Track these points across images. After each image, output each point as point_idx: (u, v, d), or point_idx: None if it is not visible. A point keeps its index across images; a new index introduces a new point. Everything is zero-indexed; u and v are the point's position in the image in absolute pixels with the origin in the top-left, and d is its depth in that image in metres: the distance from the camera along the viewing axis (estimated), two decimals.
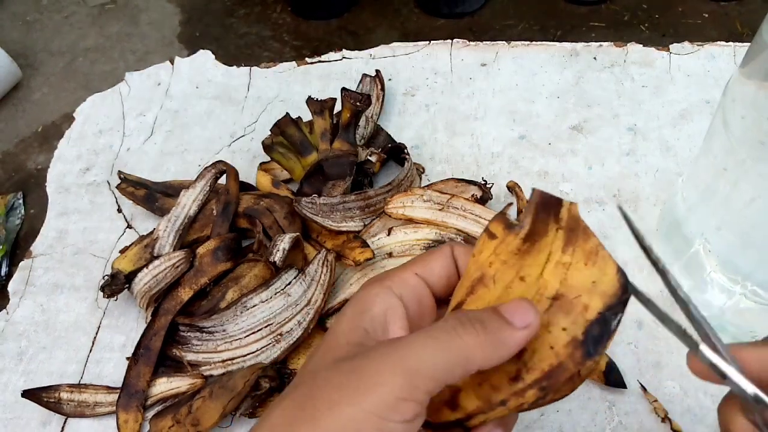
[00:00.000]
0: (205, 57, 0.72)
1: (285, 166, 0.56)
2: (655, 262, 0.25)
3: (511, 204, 0.53)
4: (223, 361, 0.46)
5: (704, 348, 0.24)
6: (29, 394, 0.47)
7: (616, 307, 0.25)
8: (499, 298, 0.27)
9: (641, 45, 0.65)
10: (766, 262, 0.37)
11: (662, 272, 0.25)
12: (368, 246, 0.49)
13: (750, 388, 0.23)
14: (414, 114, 0.63)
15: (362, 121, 0.59)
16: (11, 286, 0.56)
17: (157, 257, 0.49)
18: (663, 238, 0.47)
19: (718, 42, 0.64)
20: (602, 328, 0.24)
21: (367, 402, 0.22)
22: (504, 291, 0.27)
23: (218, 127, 0.65)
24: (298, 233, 0.49)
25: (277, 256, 0.46)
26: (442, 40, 0.69)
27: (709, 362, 0.24)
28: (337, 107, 0.58)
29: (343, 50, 0.70)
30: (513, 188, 0.53)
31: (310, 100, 0.56)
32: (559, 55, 0.65)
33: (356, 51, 0.69)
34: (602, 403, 0.43)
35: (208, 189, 0.53)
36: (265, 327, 0.45)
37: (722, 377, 0.24)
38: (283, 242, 0.47)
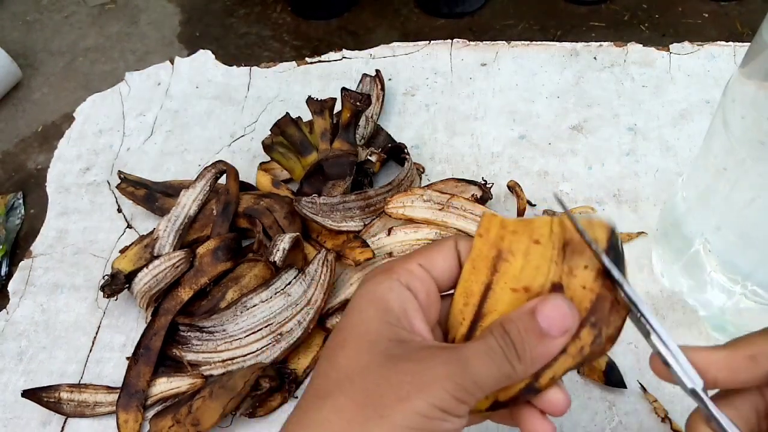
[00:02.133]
0: (205, 57, 0.72)
1: (285, 166, 0.56)
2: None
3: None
4: (223, 361, 0.46)
5: (654, 338, 0.26)
6: (29, 394, 0.47)
7: (616, 236, 0.27)
8: (522, 268, 0.28)
9: (641, 45, 0.65)
10: (766, 262, 0.37)
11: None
12: (368, 246, 0.49)
13: (689, 383, 0.25)
14: (414, 114, 0.63)
15: (362, 121, 0.59)
16: (11, 286, 0.56)
17: (157, 257, 0.49)
18: (663, 238, 0.47)
19: (718, 42, 0.64)
20: (617, 251, 0.26)
21: (432, 397, 0.24)
22: (525, 259, 0.28)
23: (218, 127, 0.65)
24: (298, 233, 0.49)
25: (277, 256, 0.46)
26: (442, 40, 0.69)
27: (657, 352, 0.26)
28: (337, 107, 0.58)
29: (343, 50, 0.70)
30: (513, 188, 0.53)
31: (310, 100, 0.56)
32: (559, 55, 0.65)
33: (356, 51, 0.69)
34: (602, 403, 0.43)
35: (208, 189, 0.53)
36: (265, 327, 0.45)
37: (666, 364, 0.25)
38: (283, 242, 0.47)
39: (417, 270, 0.28)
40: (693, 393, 0.25)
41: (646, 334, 0.26)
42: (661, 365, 0.26)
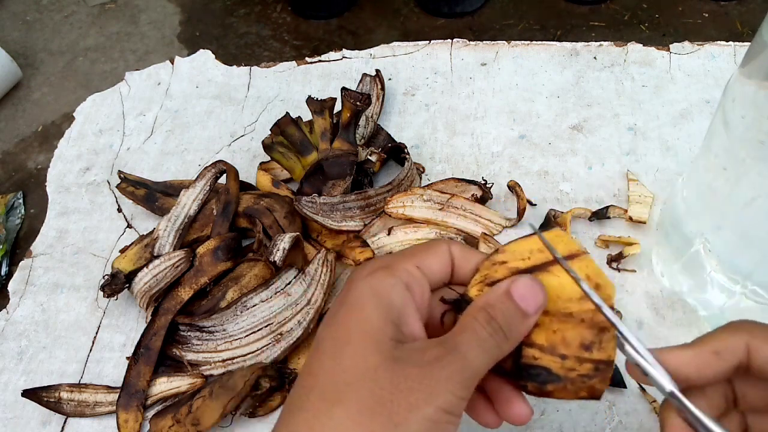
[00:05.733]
0: (205, 57, 0.72)
1: (285, 165, 0.56)
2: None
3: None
4: (223, 360, 0.46)
5: (629, 349, 0.27)
6: (29, 393, 0.47)
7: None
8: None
9: (641, 45, 0.65)
10: (766, 261, 0.37)
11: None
12: (368, 246, 0.49)
13: (668, 386, 0.26)
14: (414, 114, 0.63)
15: (362, 121, 0.59)
16: (11, 286, 0.56)
17: (157, 257, 0.49)
18: (663, 238, 0.47)
19: (718, 42, 0.64)
20: None
21: (440, 402, 0.25)
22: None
23: (218, 127, 0.65)
24: (298, 233, 0.49)
25: (277, 256, 0.46)
26: (442, 40, 0.69)
27: (634, 361, 0.27)
28: (337, 107, 0.58)
29: (343, 50, 0.70)
30: (513, 188, 0.53)
31: (310, 100, 0.56)
32: (559, 54, 0.65)
33: (356, 51, 0.69)
34: (602, 403, 0.43)
35: (208, 189, 0.53)
36: (266, 326, 0.45)
37: (644, 375, 0.27)
38: (283, 242, 0.47)
39: (415, 271, 0.29)
40: (672, 395, 0.26)
41: (620, 346, 0.27)
42: (638, 372, 0.27)
